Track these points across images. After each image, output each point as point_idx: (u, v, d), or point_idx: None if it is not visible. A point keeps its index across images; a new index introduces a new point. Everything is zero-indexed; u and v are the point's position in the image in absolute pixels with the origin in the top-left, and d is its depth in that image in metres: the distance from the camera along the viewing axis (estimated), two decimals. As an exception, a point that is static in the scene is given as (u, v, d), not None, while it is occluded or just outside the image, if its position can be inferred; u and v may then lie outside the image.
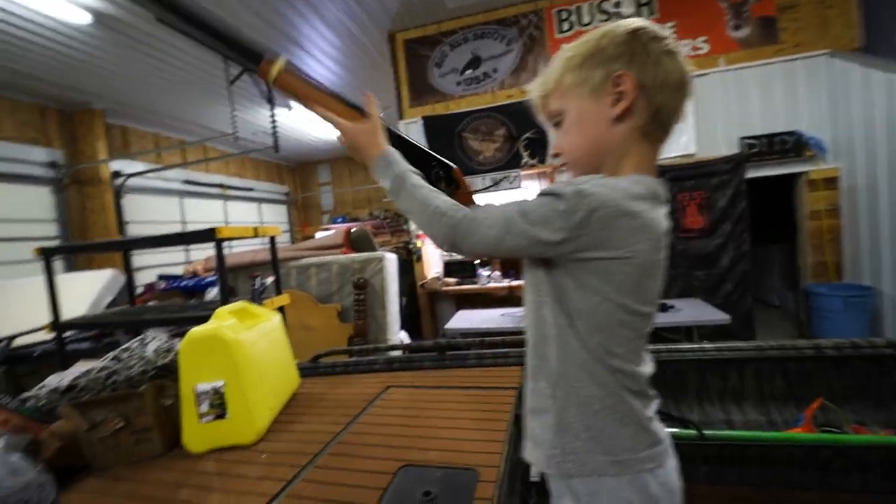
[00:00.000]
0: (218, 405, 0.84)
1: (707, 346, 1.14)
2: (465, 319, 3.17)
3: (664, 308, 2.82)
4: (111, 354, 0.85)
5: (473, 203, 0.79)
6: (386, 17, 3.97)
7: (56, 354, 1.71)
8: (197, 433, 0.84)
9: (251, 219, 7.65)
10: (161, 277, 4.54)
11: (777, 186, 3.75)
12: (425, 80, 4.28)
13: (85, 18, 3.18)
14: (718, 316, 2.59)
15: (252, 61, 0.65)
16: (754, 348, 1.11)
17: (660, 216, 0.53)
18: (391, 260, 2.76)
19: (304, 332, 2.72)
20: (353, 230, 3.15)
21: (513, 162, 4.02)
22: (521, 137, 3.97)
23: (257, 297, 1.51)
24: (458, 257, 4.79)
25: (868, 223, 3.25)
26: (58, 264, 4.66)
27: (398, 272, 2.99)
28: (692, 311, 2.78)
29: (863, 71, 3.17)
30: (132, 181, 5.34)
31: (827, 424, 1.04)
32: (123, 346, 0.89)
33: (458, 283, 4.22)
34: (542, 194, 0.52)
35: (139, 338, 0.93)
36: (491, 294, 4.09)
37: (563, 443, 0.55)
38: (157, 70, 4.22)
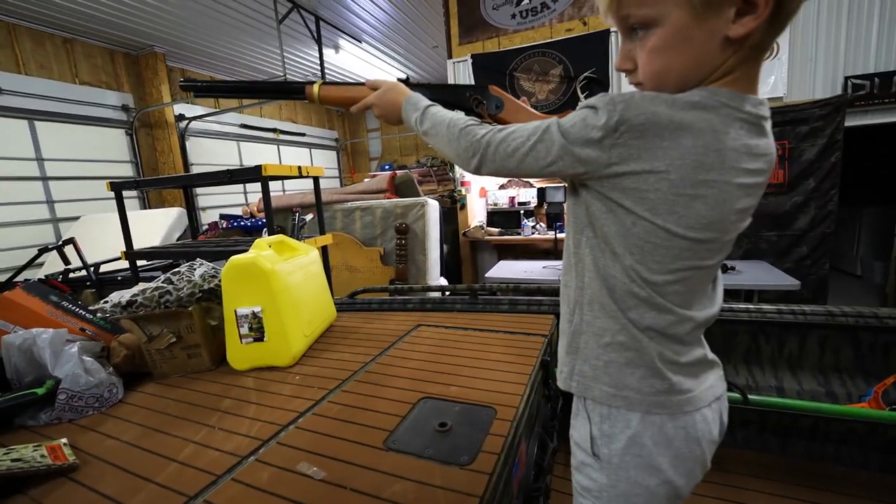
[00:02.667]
0: (257, 328, 0.90)
1: (765, 307, 1.03)
2: (505, 270, 3.14)
3: (724, 268, 2.60)
4: (162, 276, 0.92)
5: (532, 115, 0.77)
6: (437, -59, 3.64)
7: (132, 280, 1.91)
8: (239, 352, 0.91)
9: (303, 163, 7.89)
10: (223, 217, 4.89)
11: (884, 138, 3.19)
12: (477, 12, 3.96)
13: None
14: (787, 281, 2.36)
15: (300, 92, 0.83)
16: (823, 313, 0.99)
17: (728, 130, 0.42)
18: (433, 206, 2.74)
19: (348, 273, 2.84)
20: (397, 175, 3.14)
21: (569, 104, 3.72)
22: (580, 77, 3.63)
23: (296, 231, 1.56)
24: (504, 205, 4.67)
25: None
26: (134, 202, 5.14)
27: (441, 220, 2.98)
28: (756, 273, 2.55)
29: None
30: (195, 125, 5.62)
31: (900, 402, 0.93)
32: (174, 270, 0.95)
33: (501, 234, 4.16)
34: (581, 105, 0.46)
35: (188, 263, 1.00)
36: (534, 245, 4.00)
37: (573, 362, 0.54)
38: (208, 10, 4.25)
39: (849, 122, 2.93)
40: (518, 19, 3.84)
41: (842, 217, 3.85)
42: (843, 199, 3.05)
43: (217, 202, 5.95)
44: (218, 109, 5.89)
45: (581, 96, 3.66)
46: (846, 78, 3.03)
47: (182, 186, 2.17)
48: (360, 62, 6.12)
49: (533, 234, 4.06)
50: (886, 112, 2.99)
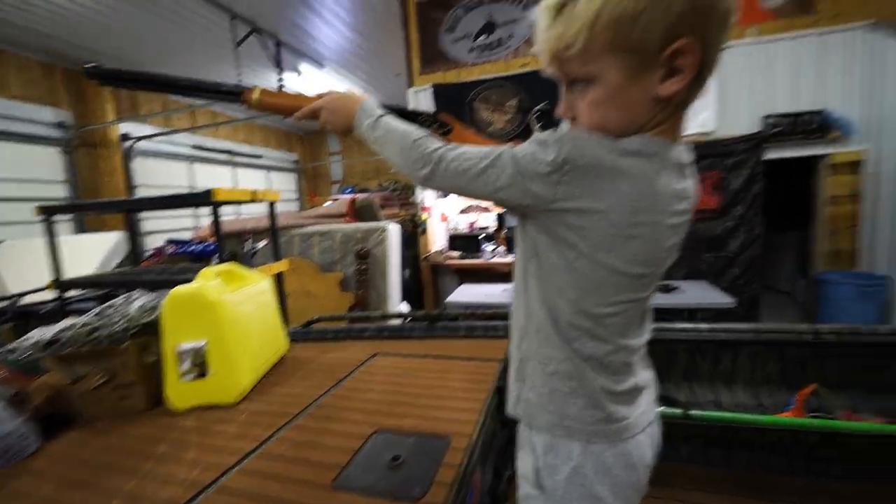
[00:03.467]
0: (199, 364, 0.85)
1: (701, 326, 1.11)
2: (467, 294, 3.16)
3: (667, 289, 2.77)
4: (94, 311, 0.86)
5: (477, 139, 0.78)
6: (397, -23, 3.79)
7: (59, 313, 1.75)
8: (178, 391, 0.86)
9: (260, 186, 7.66)
10: (170, 241, 4.61)
11: (797, 170, 3.60)
12: (437, 45, 4.12)
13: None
14: (723, 299, 2.54)
15: (236, 95, 0.79)
16: (751, 331, 1.08)
17: (658, 176, 0.46)
18: (394, 231, 2.74)
19: (306, 299, 2.75)
20: (357, 200, 3.13)
21: (524, 134, 3.91)
22: (534, 110, 3.84)
23: (247, 259, 1.51)
24: (464, 229, 4.76)
25: (891, 210, 3.12)
26: (68, 226, 4.76)
27: (402, 244, 2.98)
28: (696, 292, 2.73)
29: (902, 46, 2.96)
30: (141, 144, 5.34)
31: (818, 410, 1.01)
32: (107, 304, 0.89)
33: (462, 258, 4.21)
34: (531, 139, 0.50)
35: (125, 295, 0.93)
36: (495, 269, 4.07)
37: (520, 389, 0.56)
38: (164, 29, 4.13)
39: (769, 156, 3.28)
40: (476, 53, 4.04)
41: (769, 240, 4.24)
42: (768, 224, 3.37)
43: (164, 226, 5.62)
44: (169, 129, 5.66)
45: (534, 127, 3.86)
46: (764, 116, 3.42)
47: (124, 211, 2.04)
48: (321, 87, 6.12)
49: (493, 258, 4.14)
50: (797, 147, 3.39)
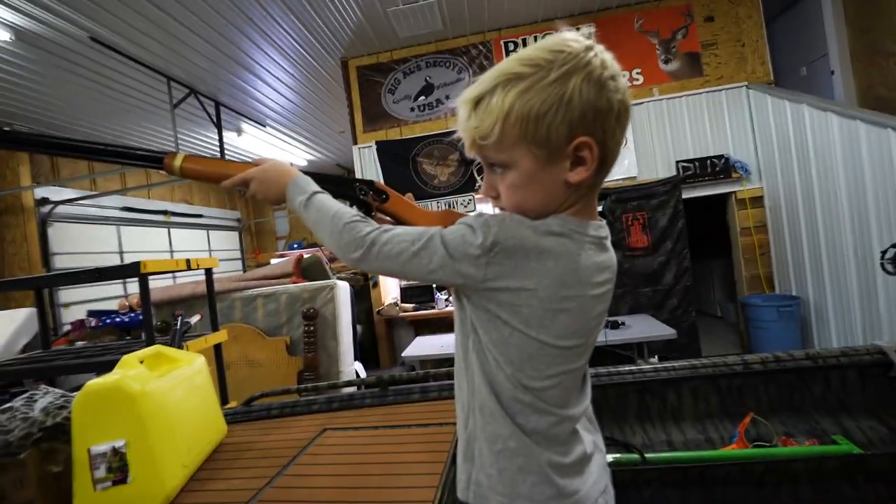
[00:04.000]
0: (118, 468, 0.74)
1: (645, 367, 1.16)
2: (423, 346, 3.10)
3: (616, 325, 2.90)
4: (-17, 418, 0.74)
5: (413, 209, 0.79)
6: (339, 44, 3.99)
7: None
8: (91, 503, 0.74)
9: (199, 246, 7.24)
10: (91, 314, 4.15)
11: (712, 205, 4.04)
12: (379, 105, 4.30)
13: (3, 35, 2.96)
14: (666, 331, 2.70)
15: (157, 161, 0.74)
16: (689, 367, 1.14)
17: (580, 251, 0.50)
18: (343, 288, 2.67)
19: (249, 369, 2.55)
20: (304, 257, 3.04)
21: (467, 186, 4.09)
22: (475, 162, 4.05)
23: (178, 338, 1.39)
24: (416, 283, 4.74)
25: (790, 237, 3.55)
26: (-35, 304, 4.16)
27: (353, 300, 2.90)
28: (641, 326, 2.88)
29: (774, 101, 3.52)
30: (62, 209, 4.92)
31: (759, 438, 1.07)
32: (3, 407, 0.77)
33: (416, 309, 4.17)
34: (460, 222, 0.52)
35: (26, 395, 0.81)
36: (450, 318, 4.04)
37: (470, 471, 0.54)
38: (90, 91, 3.98)
39: (686, 195, 3.67)
40: (416, 112, 4.26)
41: (698, 270, 4.64)
42: (695, 256, 3.70)
43: (87, 295, 5.08)
44: (95, 192, 5.29)
45: (477, 178, 4.06)
46: (677, 161, 3.85)
47: (33, 288, 1.83)
48: (264, 145, 6.10)
49: (447, 306, 4.13)
50: (708, 186, 3.82)
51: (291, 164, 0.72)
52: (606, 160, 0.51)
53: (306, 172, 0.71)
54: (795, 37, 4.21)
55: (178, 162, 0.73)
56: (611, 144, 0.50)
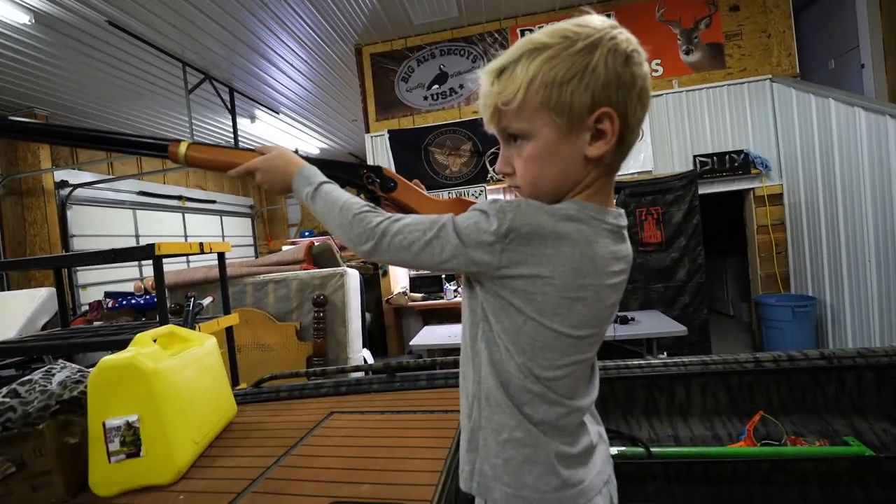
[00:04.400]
0: (131, 442, 0.77)
1: (654, 361, 1.15)
2: (431, 335, 3.12)
3: (625, 321, 2.87)
4: (5, 389, 0.76)
5: (423, 198, 0.77)
6: (353, 31, 3.96)
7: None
8: (106, 474, 0.76)
9: (212, 232, 7.35)
10: (108, 295, 4.26)
11: (729, 202, 3.95)
12: (392, 94, 4.28)
13: (23, 18, 3.00)
14: (676, 328, 2.67)
15: (161, 150, 0.72)
16: (699, 363, 1.13)
17: (597, 239, 0.49)
18: (353, 275, 2.69)
19: (260, 352, 2.59)
20: (315, 245, 3.07)
21: (479, 177, 4.06)
22: (488, 152, 4.02)
23: (190, 319, 1.42)
24: (425, 271, 4.75)
25: (809, 237, 3.46)
26: (-11, 281, 4.30)
27: (363, 288, 2.92)
28: (651, 323, 2.85)
29: (799, 95, 3.41)
30: (80, 192, 5.03)
31: (767, 437, 1.06)
32: (23, 379, 0.79)
33: (425, 298, 4.18)
34: (473, 208, 0.51)
35: (45, 368, 0.84)
36: (458, 308, 4.06)
37: (474, 461, 0.54)
38: (107, 75, 4.03)
39: (702, 191, 3.59)
40: (430, 101, 4.22)
41: (712, 267, 4.56)
42: (709, 252, 3.63)
43: (104, 277, 5.22)
44: (112, 176, 5.39)
45: (490, 169, 4.02)
46: (694, 156, 3.76)
47: (51, 268, 1.88)
48: (277, 132, 6.13)
49: (455, 296, 4.14)
50: (726, 182, 3.73)
51: (297, 151, 0.71)
52: (626, 138, 0.50)
53: (312, 160, 0.70)
54: (825, 28, 4.05)
55: (182, 150, 0.71)
56: (631, 121, 0.49)
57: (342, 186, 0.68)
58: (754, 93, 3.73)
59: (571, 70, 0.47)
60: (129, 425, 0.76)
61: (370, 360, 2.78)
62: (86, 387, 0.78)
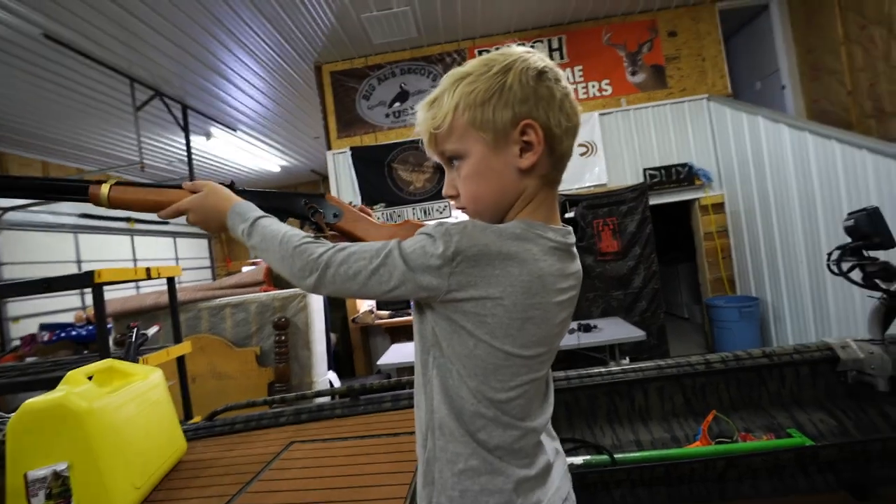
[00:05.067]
0: (59, 493, 0.69)
1: (614, 368, 1.18)
2: (399, 353, 3.07)
3: (588, 328, 2.96)
4: None
5: (370, 226, 0.74)
6: (312, 49, 3.95)
7: None
8: (30, 533, 0.68)
9: (166, 255, 6.95)
10: (44, 327, 3.91)
11: (677, 212, 4.20)
12: (353, 111, 4.27)
13: (-52, 33, 2.77)
14: (636, 333, 2.77)
15: (81, 193, 0.66)
16: (654, 367, 1.17)
17: (545, 257, 0.50)
18: (316, 296, 2.61)
19: (217, 381, 2.45)
20: (275, 265, 2.96)
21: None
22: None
23: (133, 351, 1.32)
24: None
25: (749, 242, 3.73)
26: None
27: (327, 308, 2.84)
28: (613, 329, 2.95)
29: (733, 113, 3.71)
30: (12, 216, 4.62)
31: (721, 435, 1.11)
32: (-71, 431, 0.71)
33: (392, 316, 4.12)
34: (420, 232, 0.50)
35: (-43, 417, 0.75)
36: (426, 324, 4.03)
37: (430, 496, 0.52)
38: (44, 91, 3.77)
39: (653, 202, 3.80)
40: (392, 118, 4.25)
41: (667, 274, 4.80)
42: (663, 260, 3.83)
43: (39, 308, 4.78)
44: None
45: (452, 184, 4.07)
46: (644, 169, 3.99)
47: (-26, 302, 1.70)
48: (235, 150, 5.93)
49: (424, 311, 4.11)
50: (673, 193, 3.98)
51: (232, 184, 0.67)
52: (555, 148, 0.52)
53: (249, 193, 0.67)
54: (751, 53, 4.47)
55: (104, 191, 0.65)
56: (556, 131, 0.51)
57: (284, 219, 0.65)
58: (694, 111, 4.03)
59: (490, 90, 0.50)
60: (56, 475, 0.69)
61: (336, 383, 2.69)
62: (4, 435, 0.71)
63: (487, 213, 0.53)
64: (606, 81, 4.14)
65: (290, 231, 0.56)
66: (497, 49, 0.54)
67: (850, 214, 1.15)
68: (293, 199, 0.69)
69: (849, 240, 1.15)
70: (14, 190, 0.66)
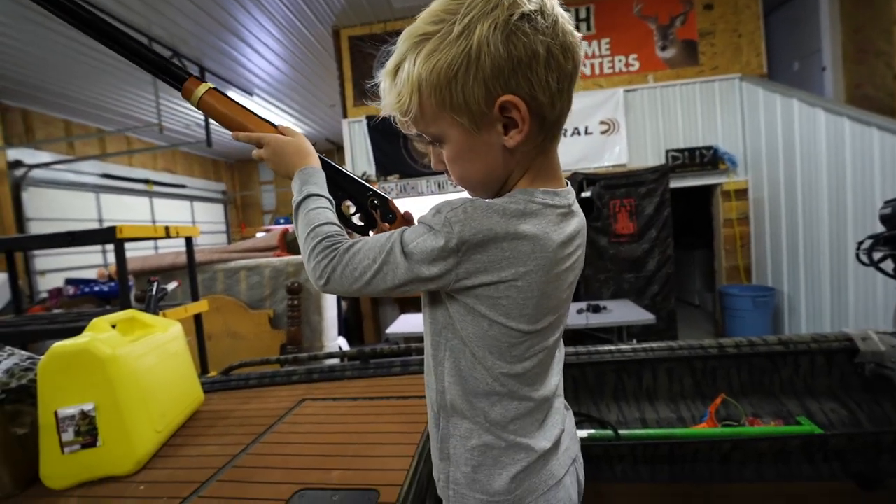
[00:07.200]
0: (87, 432, 0.73)
1: (624, 347, 1.18)
2: (407, 323, 3.11)
3: (597, 309, 2.95)
4: (-57, 377, 0.71)
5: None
6: (331, 12, 3.84)
7: None
8: (59, 466, 0.72)
9: (183, 218, 7.07)
10: (69, 282, 4.05)
11: (697, 196, 4.08)
12: (371, 78, 4.18)
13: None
14: (645, 316, 2.75)
15: (177, 80, 0.63)
16: (666, 349, 1.16)
17: (553, 227, 0.47)
18: (329, 263, 2.64)
19: (232, 340, 2.53)
20: (289, 231, 2.99)
21: (458, 166, 4.04)
22: (467, 142, 3.99)
23: (153, 304, 1.36)
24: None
25: (770, 231, 3.62)
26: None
27: (337, 276, 2.88)
28: (622, 311, 2.93)
29: (766, 95, 3.53)
30: (37, 173, 4.72)
31: (728, 418, 1.11)
32: (-36, 367, 0.74)
33: (403, 287, 4.16)
34: (419, 222, 0.48)
35: (-10, 355, 0.79)
36: (436, 297, 4.06)
37: (447, 469, 0.53)
38: (65, 49, 3.77)
39: (673, 185, 3.69)
40: (409, 87, 4.15)
41: (680, 259, 4.72)
42: (678, 245, 3.75)
43: (64, 263, 4.95)
44: (73, 157, 5.08)
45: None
46: (667, 150, 3.86)
47: (2, 251, 1.77)
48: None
49: (434, 285, 4.14)
50: (696, 176, 3.85)
51: (315, 143, 0.65)
52: (546, 114, 0.45)
53: (326, 164, 0.64)
54: (791, 31, 4.20)
55: (199, 91, 0.62)
56: (543, 98, 0.43)
57: (345, 197, 0.65)
58: (724, 91, 3.84)
59: (454, 64, 0.42)
60: (84, 414, 0.73)
61: (346, 348, 2.76)
62: (35, 375, 0.74)
63: (480, 190, 0.51)
64: (634, 56, 3.96)
65: (322, 226, 0.53)
66: None
67: (886, 202, 1.10)
68: (361, 186, 0.67)
69: (882, 229, 1.10)
70: (115, 43, 0.61)
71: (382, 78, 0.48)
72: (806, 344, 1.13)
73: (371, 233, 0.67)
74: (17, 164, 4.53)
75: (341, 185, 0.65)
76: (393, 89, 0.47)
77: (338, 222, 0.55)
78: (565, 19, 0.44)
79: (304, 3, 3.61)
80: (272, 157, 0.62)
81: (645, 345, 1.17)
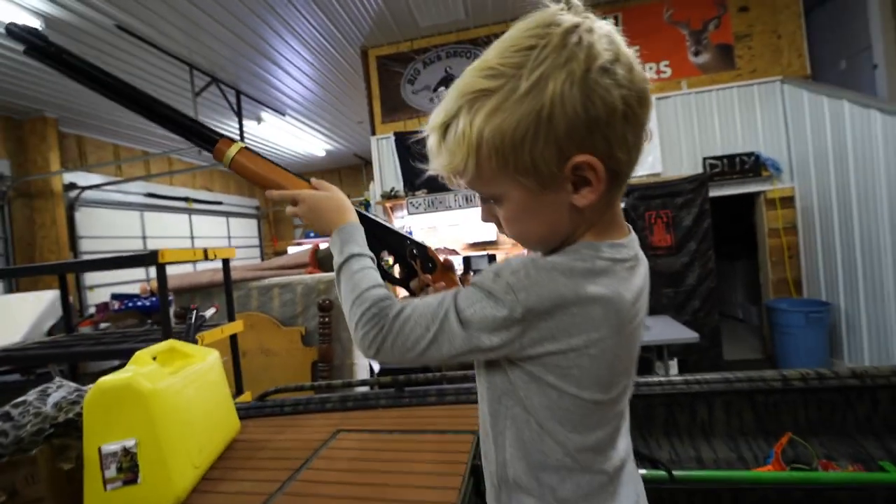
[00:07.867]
0: (128, 468, 0.73)
1: (674, 378, 1.10)
2: (436, 340, 3.08)
3: (635, 327, 2.82)
4: (-2, 412, 0.73)
5: (456, 285, 0.69)
6: (359, 33, 3.94)
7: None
8: (102, 502, 0.72)
9: (219, 233, 7.37)
10: (115, 297, 4.26)
11: (739, 205, 3.88)
12: (398, 96, 4.25)
13: (35, 23, 3.00)
14: (688, 334, 2.61)
15: (208, 143, 0.64)
16: (722, 381, 1.07)
17: (624, 285, 0.43)
18: (358, 280, 2.65)
19: (264, 357, 2.56)
20: (319, 248, 3.03)
21: (485, 179, 4.01)
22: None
23: (192, 333, 1.39)
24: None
25: (822, 241, 3.38)
26: (-5, 285, 4.31)
27: (367, 292, 2.88)
28: (662, 328, 2.79)
29: (811, 97, 3.34)
30: (88, 194, 5.05)
31: (796, 460, 1.00)
32: (17, 400, 0.76)
33: (431, 302, 4.14)
34: (474, 287, 0.44)
35: (40, 388, 0.81)
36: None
37: None
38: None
39: (712, 194, 3.53)
40: (436, 103, 4.14)
41: (722, 270, 4.48)
42: (718, 255, 3.56)
43: (111, 278, 5.23)
44: (120, 178, 5.40)
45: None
46: (704, 158, 3.70)
47: (54, 273, 1.86)
48: (283, 134, 6.12)
49: (462, 300, 4.09)
50: (736, 185, 3.67)
51: (349, 199, 0.63)
52: (621, 171, 0.42)
53: (363, 217, 0.62)
54: (836, 28, 3.97)
55: (231, 152, 0.62)
56: (621, 155, 0.40)
57: (383, 249, 0.63)
58: (765, 94, 3.66)
59: (522, 125, 0.38)
60: (126, 451, 0.73)
61: (376, 367, 2.74)
62: (81, 408, 0.75)
63: (539, 246, 0.47)
64: (665, 63, 3.84)
65: (368, 290, 0.50)
66: (524, 20, 0.40)
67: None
68: (399, 238, 0.66)
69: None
70: (152, 114, 0.65)
71: (429, 132, 0.45)
72: (886, 377, 1.02)
73: (411, 284, 0.65)
74: (72, 185, 4.86)
75: (379, 237, 0.63)
76: (443, 148, 0.43)
77: (383, 283, 0.52)
78: (634, 60, 0.40)
79: (334, 26, 3.72)
80: (308, 215, 0.60)
81: (698, 376, 1.09)
